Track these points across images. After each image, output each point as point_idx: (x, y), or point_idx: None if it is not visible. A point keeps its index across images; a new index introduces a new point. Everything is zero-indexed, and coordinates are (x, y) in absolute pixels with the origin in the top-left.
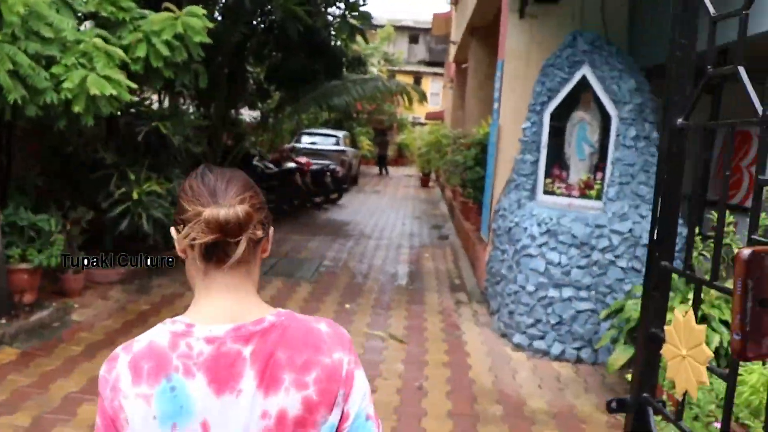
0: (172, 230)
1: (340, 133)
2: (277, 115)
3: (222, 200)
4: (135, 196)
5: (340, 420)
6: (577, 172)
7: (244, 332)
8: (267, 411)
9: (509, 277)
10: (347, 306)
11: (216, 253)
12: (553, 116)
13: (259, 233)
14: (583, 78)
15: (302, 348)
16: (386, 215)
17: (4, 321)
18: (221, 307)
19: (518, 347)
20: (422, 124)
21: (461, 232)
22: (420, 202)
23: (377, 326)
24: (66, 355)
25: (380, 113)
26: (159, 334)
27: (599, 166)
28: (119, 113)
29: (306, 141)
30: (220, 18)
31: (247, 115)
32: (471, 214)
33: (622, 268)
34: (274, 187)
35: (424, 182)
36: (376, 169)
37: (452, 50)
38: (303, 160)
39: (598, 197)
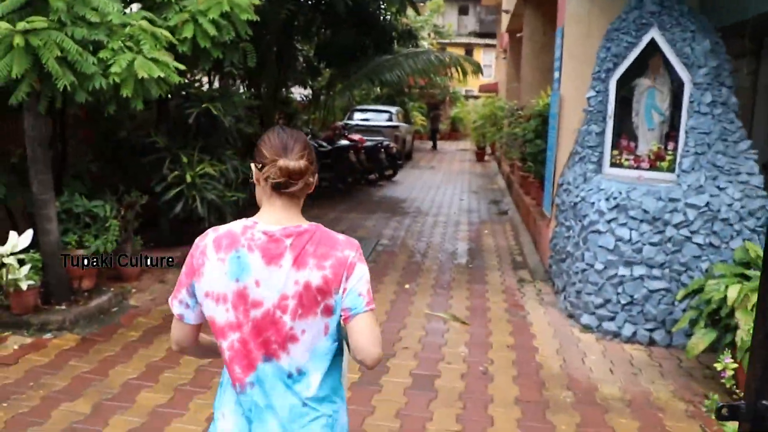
0: (252, 165)
1: (393, 109)
2: (329, 92)
3: (290, 155)
4: (188, 179)
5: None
6: (647, 142)
7: (288, 231)
8: (297, 280)
9: (576, 255)
10: (407, 286)
11: (280, 186)
12: (619, 84)
13: (312, 180)
14: (652, 41)
15: (324, 245)
16: (443, 191)
17: (64, 307)
18: (276, 216)
19: (586, 328)
20: (475, 97)
21: (521, 208)
22: (476, 177)
23: (438, 307)
24: (125, 340)
25: (432, 87)
26: (236, 225)
27: (670, 135)
28: (169, 96)
29: (358, 118)
30: None
31: (298, 93)
32: (531, 189)
33: (698, 245)
34: (328, 165)
35: (480, 156)
36: (430, 144)
37: (505, 20)
38: (356, 137)
39: (670, 169)
